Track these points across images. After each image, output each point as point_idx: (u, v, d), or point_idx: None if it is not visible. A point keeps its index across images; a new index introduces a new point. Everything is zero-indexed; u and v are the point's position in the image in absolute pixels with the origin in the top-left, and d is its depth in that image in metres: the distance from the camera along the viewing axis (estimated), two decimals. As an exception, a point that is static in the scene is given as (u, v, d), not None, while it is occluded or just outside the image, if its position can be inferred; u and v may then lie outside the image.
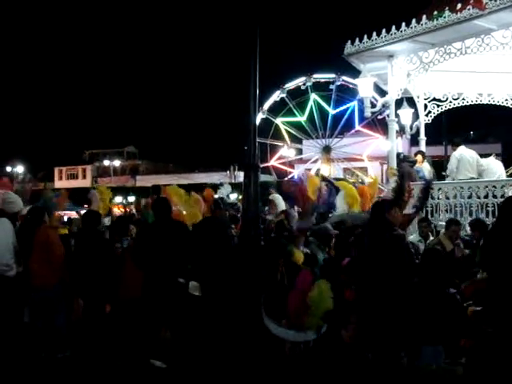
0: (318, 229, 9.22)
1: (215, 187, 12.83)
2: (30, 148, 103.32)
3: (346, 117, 45.05)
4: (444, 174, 13.76)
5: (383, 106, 13.98)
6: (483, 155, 14.01)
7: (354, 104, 43.10)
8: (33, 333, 8.26)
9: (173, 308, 7.55)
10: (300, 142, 48.91)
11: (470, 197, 11.17)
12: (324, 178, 13.32)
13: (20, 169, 63.48)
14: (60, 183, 70.64)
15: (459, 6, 10.39)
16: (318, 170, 42.10)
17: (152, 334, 7.78)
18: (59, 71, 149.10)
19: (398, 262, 6.69)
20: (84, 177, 75.91)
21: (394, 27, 11.50)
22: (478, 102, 15.87)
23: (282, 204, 13.03)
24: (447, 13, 10.52)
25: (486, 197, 10.91)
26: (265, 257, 7.08)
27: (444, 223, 10.12)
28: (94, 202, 11.87)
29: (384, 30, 11.70)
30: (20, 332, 8.24)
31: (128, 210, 21.42)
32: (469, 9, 10.16)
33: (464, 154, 12.71)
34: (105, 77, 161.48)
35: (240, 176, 43.13)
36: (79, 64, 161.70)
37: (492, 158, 13.54)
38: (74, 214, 27.03)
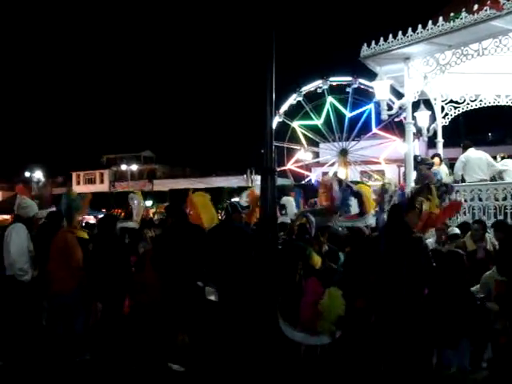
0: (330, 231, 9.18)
1: (233, 191, 12.78)
2: (47, 153, 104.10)
3: (362, 119, 44.95)
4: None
5: (400, 108, 13.95)
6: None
7: (371, 107, 42.97)
8: (51, 337, 8.31)
9: (191, 312, 7.57)
10: (317, 145, 48.85)
11: (487, 199, 11.10)
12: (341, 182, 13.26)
13: (38, 174, 63.97)
14: (78, 188, 71.01)
15: (476, 7, 10.32)
16: (335, 173, 42.03)
17: (170, 337, 7.81)
18: (77, 77, 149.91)
19: (416, 265, 6.65)
20: (102, 181, 76.28)
21: (410, 29, 11.45)
22: (496, 103, 15.76)
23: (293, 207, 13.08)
24: (464, 14, 10.45)
25: (505, 199, 10.84)
26: (283, 259, 7.08)
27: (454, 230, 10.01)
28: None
29: (400, 32, 11.65)
30: (38, 336, 8.29)
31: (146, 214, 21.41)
32: (486, 10, 10.08)
33: (470, 156, 12.62)
34: (122, 82, 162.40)
35: (257, 180, 43.13)
36: (96, 69, 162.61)
37: (512, 160, 13.42)
38: (91, 219, 27.20)
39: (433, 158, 14.19)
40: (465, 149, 12.96)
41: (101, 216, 12.14)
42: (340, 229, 9.84)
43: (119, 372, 7.65)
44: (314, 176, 47.35)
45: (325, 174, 43.25)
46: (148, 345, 7.98)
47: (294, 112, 44.90)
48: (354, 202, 10.99)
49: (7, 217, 25.17)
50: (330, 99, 44.63)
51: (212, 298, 8.26)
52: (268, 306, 6.77)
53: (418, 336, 6.41)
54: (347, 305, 6.56)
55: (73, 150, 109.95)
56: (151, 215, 34.13)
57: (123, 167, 69.55)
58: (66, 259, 8.24)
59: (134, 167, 69.71)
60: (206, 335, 7.60)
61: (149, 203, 36.98)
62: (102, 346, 8.24)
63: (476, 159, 12.52)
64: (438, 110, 15.24)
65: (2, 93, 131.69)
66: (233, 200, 12.02)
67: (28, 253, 8.30)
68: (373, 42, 12.29)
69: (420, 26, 11.26)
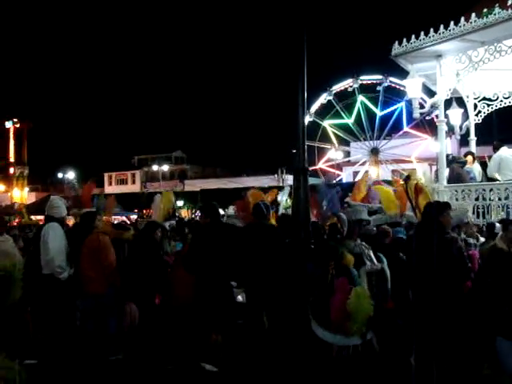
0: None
1: (264, 191, 12.69)
2: (80, 155, 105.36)
3: (393, 118, 44.72)
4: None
5: (432, 106, 13.80)
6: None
7: (402, 105, 42.73)
8: (85, 336, 8.38)
9: (224, 311, 7.59)
10: (348, 144, 48.76)
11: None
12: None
13: (71, 175, 64.74)
14: (110, 188, 71.76)
15: (510, 2, 10.19)
16: (366, 171, 41.86)
17: (203, 337, 7.83)
18: (109, 80, 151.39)
19: (448, 266, 6.56)
20: (133, 182, 76.88)
21: (442, 26, 11.33)
22: (531, 100, 15.53)
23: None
24: (497, 9, 10.32)
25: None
26: (316, 259, 7.06)
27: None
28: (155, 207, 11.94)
29: (432, 30, 11.53)
30: (72, 335, 8.37)
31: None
32: (520, 4, 9.97)
33: (504, 155, 12.47)
34: (154, 83, 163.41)
35: (288, 179, 43.13)
36: (129, 73, 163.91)
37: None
38: (123, 219, 27.42)
39: (466, 156, 14.04)
40: (496, 149, 12.79)
41: (134, 217, 12.16)
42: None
43: (152, 371, 7.69)
44: (344, 175, 47.25)
45: (356, 173, 43.23)
46: (181, 344, 8.01)
47: (325, 111, 44.89)
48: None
49: (41, 217, 25.50)
50: (360, 98, 44.52)
51: (239, 298, 8.27)
52: (300, 306, 6.76)
53: (454, 336, 6.35)
54: (377, 306, 6.53)
55: (105, 151, 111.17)
56: (183, 215, 34.34)
57: (154, 168, 70.02)
58: (99, 260, 8.32)
59: (166, 168, 70.13)
60: (238, 335, 7.62)
61: (180, 203, 37.17)
62: (135, 346, 8.30)
63: (510, 157, 12.36)
64: (470, 107, 15.08)
65: (35, 96, 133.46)
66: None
67: (65, 251, 8.38)
68: (404, 40, 12.18)
69: (452, 22, 11.15)
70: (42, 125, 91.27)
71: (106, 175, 78.86)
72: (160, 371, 7.70)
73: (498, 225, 9.80)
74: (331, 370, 6.79)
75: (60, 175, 65.08)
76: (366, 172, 34.56)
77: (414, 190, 8.64)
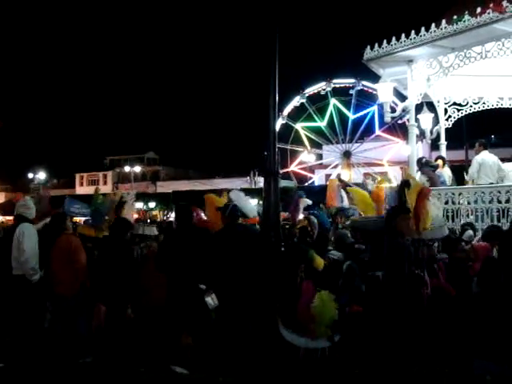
0: (336, 236, 9.12)
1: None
2: (51, 155, 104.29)
3: (365, 122, 44.93)
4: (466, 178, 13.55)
5: (403, 110, 13.90)
6: (505, 160, 13.86)
7: (374, 109, 42.97)
8: (54, 338, 8.32)
9: (194, 314, 7.58)
10: (320, 147, 48.90)
11: (490, 202, 11.06)
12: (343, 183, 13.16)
13: (42, 175, 64.10)
14: (81, 189, 71.23)
15: (479, 9, 10.33)
16: (339, 174, 42.03)
17: (173, 339, 7.81)
18: (80, 79, 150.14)
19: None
20: (105, 183, 76.28)
21: (413, 32, 11.44)
22: (499, 105, 15.69)
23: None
24: (467, 17, 10.45)
25: (508, 202, 10.81)
26: (285, 262, 7.09)
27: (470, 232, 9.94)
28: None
29: (403, 35, 11.64)
30: (40, 337, 8.30)
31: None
32: (489, 13, 10.10)
33: (486, 159, 12.58)
34: (125, 84, 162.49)
35: (260, 182, 43.15)
36: (100, 71, 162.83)
37: (513, 164, 13.35)
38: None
39: (436, 160, 14.17)
40: (481, 147, 12.84)
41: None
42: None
43: (122, 374, 7.66)
44: (317, 178, 47.40)
45: (328, 175, 43.41)
46: (151, 347, 7.99)
47: (298, 114, 44.98)
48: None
49: (11, 218, 25.21)
50: (333, 101, 44.67)
51: (209, 301, 8.25)
52: (268, 308, 6.79)
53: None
54: (342, 309, 6.58)
55: (76, 151, 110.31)
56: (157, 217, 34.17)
57: (126, 169, 69.57)
58: (70, 261, 8.26)
59: (138, 169, 69.71)
60: (209, 337, 7.62)
61: (152, 205, 37.01)
62: (104, 348, 8.26)
63: (490, 162, 12.49)
64: (441, 112, 15.19)
65: (5, 95, 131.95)
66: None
67: (37, 253, 8.31)
68: (376, 45, 12.26)
69: (423, 28, 11.26)
70: (12, 124, 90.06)
71: (77, 176, 78.26)
72: (130, 374, 7.67)
73: (470, 232, 9.87)
74: (299, 373, 6.83)
75: (30, 175, 64.44)
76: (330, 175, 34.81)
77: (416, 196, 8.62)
